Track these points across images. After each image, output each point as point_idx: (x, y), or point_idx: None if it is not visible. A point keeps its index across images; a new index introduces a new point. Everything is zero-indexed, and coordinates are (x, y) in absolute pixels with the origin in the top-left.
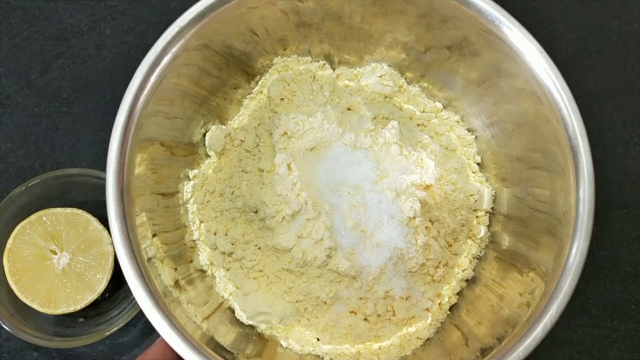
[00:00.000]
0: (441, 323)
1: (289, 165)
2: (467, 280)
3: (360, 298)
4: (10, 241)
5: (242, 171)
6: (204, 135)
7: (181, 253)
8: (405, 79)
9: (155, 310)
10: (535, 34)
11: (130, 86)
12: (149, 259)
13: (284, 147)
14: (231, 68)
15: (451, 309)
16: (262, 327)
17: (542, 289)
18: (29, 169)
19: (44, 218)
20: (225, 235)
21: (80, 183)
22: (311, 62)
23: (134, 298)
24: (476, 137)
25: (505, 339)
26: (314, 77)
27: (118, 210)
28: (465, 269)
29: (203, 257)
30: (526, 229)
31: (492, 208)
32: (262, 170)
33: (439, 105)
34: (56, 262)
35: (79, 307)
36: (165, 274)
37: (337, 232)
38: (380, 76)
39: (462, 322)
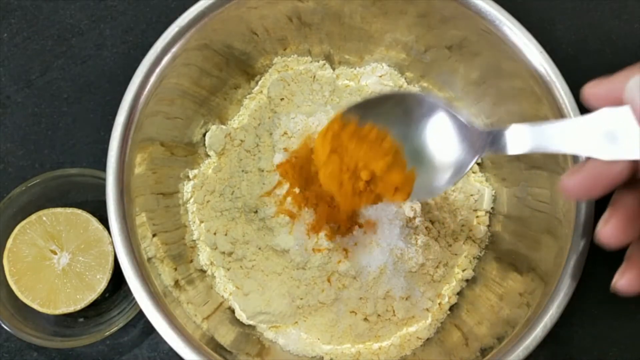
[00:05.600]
0: (441, 323)
1: None
2: (467, 280)
3: (360, 298)
4: (10, 241)
5: (242, 171)
6: (204, 135)
7: (181, 253)
8: (405, 79)
9: (155, 310)
10: (535, 34)
11: (130, 86)
12: (149, 259)
13: (284, 147)
14: (231, 68)
15: (451, 309)
16: (262, 327)
17: (542, 289)
18: (29, 169)
19: (44, 218)
20: (225, 235)
21: (80, 183)
22: (311, 62)
23: (134, 298)
24: None
25: (505, 339)
26: (314, 77)
27: (118, 210)
28: (465, 269)
29: (203, 257)
30: (526, 229)
31: (492, 208)
32: (262, 170)
33: None
34: (56, 262)
35: (79, 307)
36: (165, 274)
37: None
38: (380, 76)
39: (462, 322)
